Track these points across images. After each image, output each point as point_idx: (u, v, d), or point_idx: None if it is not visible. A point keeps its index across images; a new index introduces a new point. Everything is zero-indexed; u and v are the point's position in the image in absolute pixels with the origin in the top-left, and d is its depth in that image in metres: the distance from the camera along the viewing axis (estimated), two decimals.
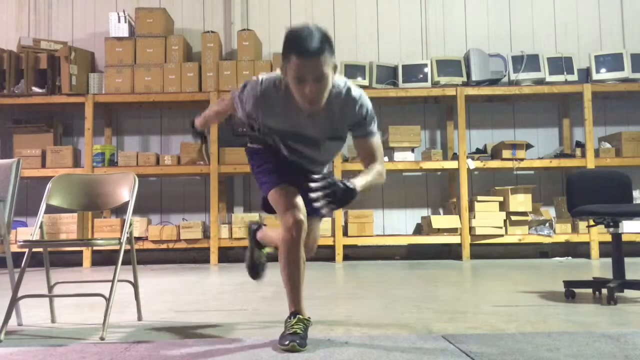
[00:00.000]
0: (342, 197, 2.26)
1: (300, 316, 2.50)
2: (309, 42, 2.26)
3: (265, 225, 3.13)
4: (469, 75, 6.84)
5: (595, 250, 6.52)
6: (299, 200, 2.51)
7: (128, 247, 3.04)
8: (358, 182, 2.34)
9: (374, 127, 2.53)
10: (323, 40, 2.29)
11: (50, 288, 3.15)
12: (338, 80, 2.46)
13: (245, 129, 2.78)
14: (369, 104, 2.50)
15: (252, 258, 3.05)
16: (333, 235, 6.53)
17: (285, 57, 2.33)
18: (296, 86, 2.32)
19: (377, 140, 2.54)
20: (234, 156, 6.64)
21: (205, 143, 2.77)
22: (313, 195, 2.25)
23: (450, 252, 6.99)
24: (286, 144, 2.59)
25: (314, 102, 2.33)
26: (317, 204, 2.26)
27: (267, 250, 3.04)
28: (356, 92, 2.48)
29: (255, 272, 3.09)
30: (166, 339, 2.63)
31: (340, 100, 2.45)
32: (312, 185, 2.28)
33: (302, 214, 2.48)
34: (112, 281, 2.82)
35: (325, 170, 2.78)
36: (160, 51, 6.88)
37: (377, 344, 2.45)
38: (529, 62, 6.83)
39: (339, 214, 6.55)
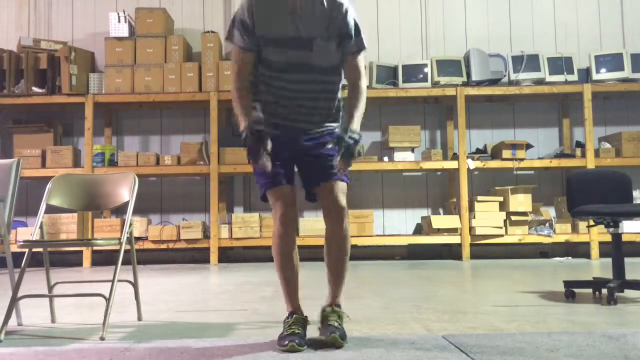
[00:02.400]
0: (354, 151, 2.45)
1: (298, 315, 2.51)
2: None
3: None
4: (469, 75, 6.84)
5: (595, 250, 6.52)
6: (291, 195, 2.55)
7: (128, 247, 3.04)
8: (355, 127, 2.50)
9: (362, 40, 2.59)
10: None
11: (50, 288, 3.15)
12: None
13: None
14: (354, 13, 2.57)
15: None
16: None
17: None
18: None
19: (362, 56, 2.64)
20: (234, 156, 6.63)
21: (264, 144, 2.44)
22: (334, 164, 2.45)
23: (450, 252, 6.99)
24: (282, 62, 2.51)
25: None
26: (339, 172, 2.47)
27: None
28: None
29: None
30: (166, 339, 2.63)
31: None
32: (330, 155, 2.47)
33: (292, 209, 2.53)
34: (112, 281, 2.82)
35: (334, 125, 2.66)
36: (160, 51, 6.88)
37: (377, 344, 2.45)
38: (529, 62, 6.83)
39: None
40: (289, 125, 2.57)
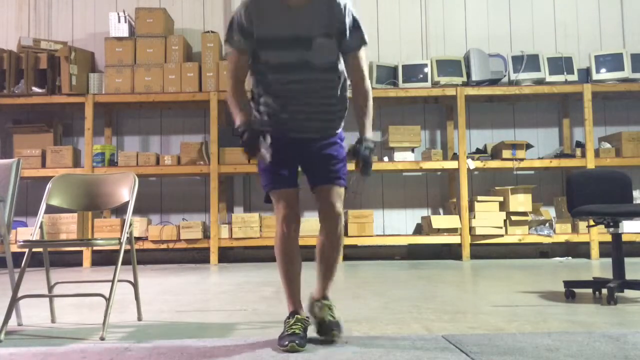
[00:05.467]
0: (371, 160, 2.50)
1: (299, 316, 2.51)
2: None
3: None
4: (469, 75, 6.84)
5: (595, 250, 6.52)
6: (294, 197, 2.56)
7: (128, 247, 3.04)
8: (369, 134, 2.52)
9: (363, 35, 2.56)
10: None
11: (50, 288, 3.15)
12: None
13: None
14: (352, 9, 2.55)
15: None
16: None
17: None
18: None
19: (364, 54, 2.59)
20: (234, 156, 6.63)
21: (262, 137, 2.48)
22: (338, 167, 2.55)
23: (450, 252, 6.99)
24: (281, 62, 2.49)
25: None
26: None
27: None
28: None
29: None
30: (166, 339, 2.63)
31: None
32: (334, 156, 2.54)
33: (294, 211, 2.54)
34: (112, 281, 2.82)
35: (339, 130, 2.67)
36: (160, 51, 6.87)
37: (377, 344, 2.45)
38: (529, 62, 6.83)
39: None
40: (293, 136, 2.58)
